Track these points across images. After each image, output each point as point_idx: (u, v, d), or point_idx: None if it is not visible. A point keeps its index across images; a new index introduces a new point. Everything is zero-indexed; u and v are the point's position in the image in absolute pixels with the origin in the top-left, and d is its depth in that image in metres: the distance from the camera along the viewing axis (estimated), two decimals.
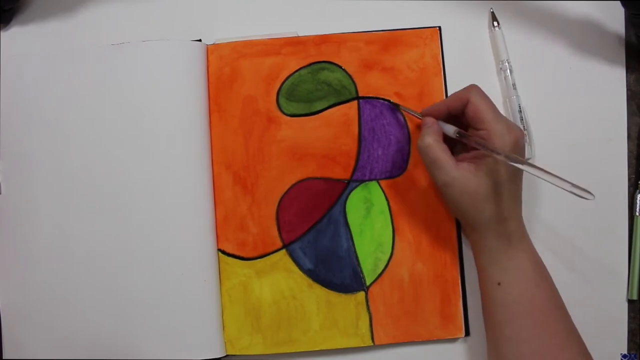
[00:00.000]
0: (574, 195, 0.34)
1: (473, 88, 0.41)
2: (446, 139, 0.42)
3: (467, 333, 0.45)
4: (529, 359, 0.38)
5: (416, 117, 0.45)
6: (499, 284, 0.40)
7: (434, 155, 0.40)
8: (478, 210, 0.40)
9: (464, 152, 0.43)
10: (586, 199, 0.34)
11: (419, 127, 0.46)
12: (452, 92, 0.42)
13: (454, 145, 0.43)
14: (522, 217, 0.41)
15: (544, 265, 0.41)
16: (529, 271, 0.40)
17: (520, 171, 0.40)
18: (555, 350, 0.38)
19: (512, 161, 0.37)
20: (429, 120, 0.42)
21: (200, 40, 0.47)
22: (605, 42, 0.47)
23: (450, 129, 0.42)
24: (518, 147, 0.39)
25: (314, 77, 0.47)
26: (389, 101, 0.46)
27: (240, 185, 0.46)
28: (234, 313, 0.45)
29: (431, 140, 0.41)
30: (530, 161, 0.46)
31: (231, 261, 0.45)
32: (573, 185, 0.34)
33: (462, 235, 0.46)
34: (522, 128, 0.42)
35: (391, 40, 0.47)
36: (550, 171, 0.36)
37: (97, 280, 0.44)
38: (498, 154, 0.38)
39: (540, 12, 0.48)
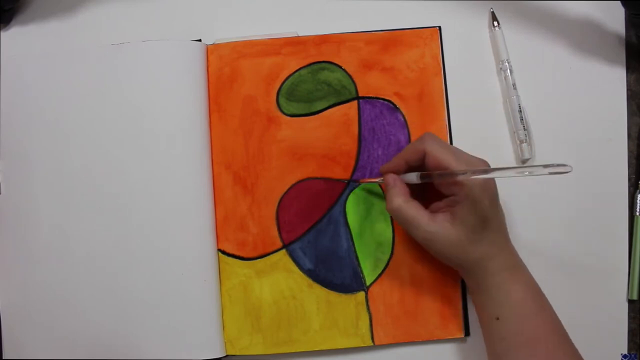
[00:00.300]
0: (555, 175, 0.32)
1: (426, 137, 0.40)
2: (415, 192, 0.41)
3: (467, 333, 0.45)
4: None
5: (376, 182, 0.45)
6: (497, 318, 0.39)
7: (406, 215, 0.40)
8: (466, 255, 0.39)
9: (435, 201, 0.41)
10: (565, 172, 0.32)
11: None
12: (411, 143, 0.42)
13: (424, 193, 0.42)
14: (512, 247, 0.41)
15: (541, 293, 0.40)
16: (527, 302, 0.39)
17: (499, 204, 0.40)
18: None
19: (477, 174, 0.36)
20: (391, 179, 0.41)
21: (200, 40, 0.47)
22: (605, 42, 0.47)
23: (413, 177, 0.41)
24: (488, 185, 0.39)
25: (314, 77, 0.47)
26: (399, 109, 0.46)
27: (240, 185, 0.46)
28: (234, 313, 0.45)
29: (400, 202, 0.40)
30: (529, 162, 0.46)
31: (231, 261, 0.45)
32: (546, 166, 0.32)
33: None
34: (482, 162, 0.40)
35: (391, 40, 0.47)
36: (517, 165, 0.35)
37: (97, 280, 0.44)
38: (463, 173, 0.37)
39: (540, 12, 0.48)
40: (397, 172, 0.42)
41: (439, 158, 0.39)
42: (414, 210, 0.40)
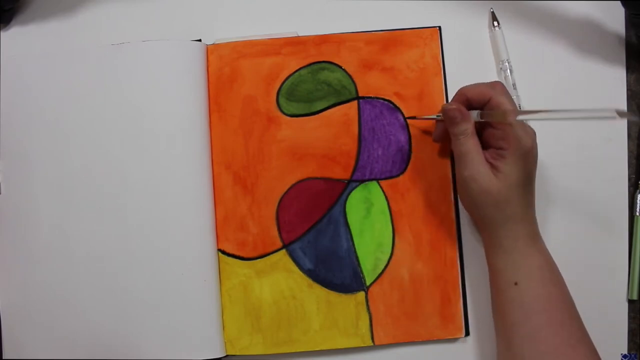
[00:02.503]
0: (602, 120, 0.34)
1: (498, 85, 0.41)
2: None
3: (467, 333, 0.45)
4: (545, 357, 0.38)
5: (433, 119, 0.44)
6: (515, 283, 0.39)
7: (469, 145, 0.40)
8: (497, 210, 0.39)
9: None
10: (612, 118, 0.33)
11: (424, 132, 0.46)
12: (477, 83, 0.41)
13: None
14: (536, 218, 0.41)
15: (556, 266, 0.41)
16: (545, 271, 0.40)
17: (534, 172, 0.40)
18: (569, 349, 0.38)
19: (523, 116, 0.37)
20: (458, 109, 0.40)
21: (200, 40, 0.47)
22: (605, 42, 0.47)
23: (474, 113, 0.41)
24: (534, 150, 0.39)
25: (314, 77, 0.47)
26: (399, 109, 0.46)
27: (240, 185, 0.46)
28: (234, 313, 0.45)
29: (469, 127, 0.40)
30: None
31: (231, 261, 0.45)
32: (592, 110, 0.33)
33: (464, 235, 0.45)
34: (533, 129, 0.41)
35: (391, 40, 0.47)
36: (564, 108, 0.37)
37: (97, 280, 0.44)
38: (509, 112, 0.38)
39: (540, 12, 0.48)
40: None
41: (504, 106, 0.39)
42: (474, 145, 0.40)
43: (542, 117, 0.38)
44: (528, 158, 0.39)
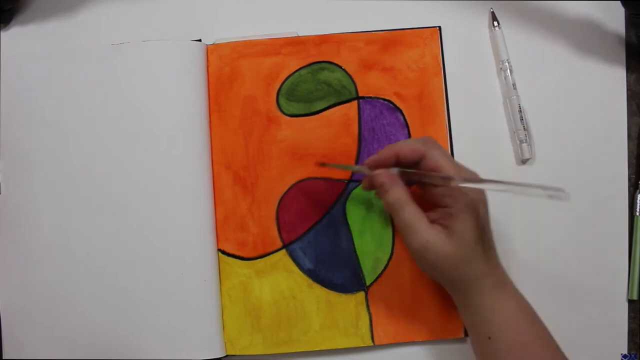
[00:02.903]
0: (550, 199, 0.32)
1: (431, 142, 0.39)
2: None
3: (467, 333, 0.45)
4: None
5: (354, 170, 0.44)
6: (489, 338, 0.38)
7: (408, 214, 0.37)
8: (459, 272, 0.37)
9: (428, 212, 0.38)
10: (561, 199, 0.32)
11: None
12: (408, 140, 0.39)
13: (417, 202, 0.39)
14: (501, 264, 0.40)
15: (531, 308, 0.39)
16: (518, 319, 0.38)
17: (488, 221, 0.39)
18: None
19: (468, 182, 0.35)
20: (384, 177, 0.38)
21: (200, 40, 0.47)
22: (605, 42, 0.47)
23: (394, 170, 0.38)
24: (484, 199, 0.38)
25: (314, 77, 0.47)
26: (399, 109, 0.46)
27: (240, 185, 0.46)
28: (234, 313, 0.45)
29: (401, 194, 0.37)
30: (529, 162, 0.46)
31: (231, 261, 0.45)
32: (544, 188, 0.31)
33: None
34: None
35: (391, 40, 0.47)
36: (513, 181, 0.34)
37: (97, 280, 0.44)
38: (452, 179, 0.35)
39: (540, 12, 0.48)
40: (386, 166, 0.39)
41: (438, 163, 0.37)
42: (414, 212, 0.37)
43: (486, 186, 0.36)
44: (479, 210, 0.37)
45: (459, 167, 0.38)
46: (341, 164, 0.46)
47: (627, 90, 0.47)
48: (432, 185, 0.38)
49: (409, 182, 0.39)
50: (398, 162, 0.39)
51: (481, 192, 0.38)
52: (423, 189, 0.39)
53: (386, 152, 0.39)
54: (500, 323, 0.38)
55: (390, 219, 0.45)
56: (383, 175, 0.38)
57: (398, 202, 0.38)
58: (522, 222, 0.46)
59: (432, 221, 0.38)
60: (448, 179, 0.36)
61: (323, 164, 0.44)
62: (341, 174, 0.46)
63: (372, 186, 0.41)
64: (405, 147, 0.39)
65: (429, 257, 0.37)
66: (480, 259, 0.38)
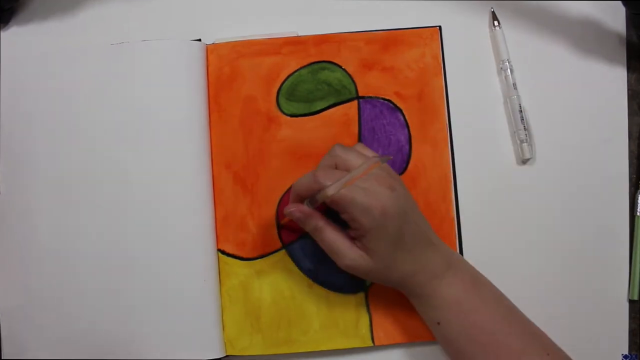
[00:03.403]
0: (380, 163, 0.36)
1: (319, 172, 0.39)
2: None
3: None
4: None
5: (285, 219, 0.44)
6: (438, 323, 0.40)
7: (329, 237, 0.39)
8: (389, 278, 0.40)
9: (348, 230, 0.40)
10: (385, 161, 0.36)
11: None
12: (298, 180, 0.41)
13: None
14: (441, 249, 0.40)
15: (478, 283, 0.40)
16: (463, 302, 0.39)
17: (411, 216, 0.39)
18: None
19: (334, 187, 0.37)
20: (298, 211, 0.40)
21: (200, 40, 0.47)
22: (606, 41, 0.47)
23: (305, 203, 0.40)
24: (388, 209, 0.38)
25: (314, 76, 0.47)
26: (399, 108, 0.46)
27: (240, 185, 0.46)
28: (233, 313, 0.45)
29: (319, 222, 0.40)
30: (530, 162, 0.46)
31: (231, 261, 0.45)
32: (373, 157, 0.35)
33: (463, 234, 0.45)
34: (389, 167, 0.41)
35: (391, 39, 0.47)
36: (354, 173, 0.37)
37: (97, 280, 0.44)
38: (324, 194, 0.37)
39: (541, 11, 0.48)
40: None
41: (334, 199, 0.38)
42: (334, 234, 0.40)
43: (345, 180, 0.37)
44: (387, 221, 0.37)
45: (354, 186, 0.38)
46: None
47: (628, 89, 0.47)
48: (338, 211, 0.39)
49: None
50: (305, 197, 0.40)
51: (383, 206, 0.38)
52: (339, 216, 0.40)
53: (292, 197, 0.41)
54: (445, 308, 0.39)
55: None
56: (296, 212, 0.40)
57: (316, 230, 0.40)
58: (522, 222, 0.46)
59: (353, 238, 0.39)
60: (323, 193, 0.37)
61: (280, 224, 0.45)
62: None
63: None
64: (299, 188, 0.40)
65: (357, 273, 0.40)
66: (403, 263, 0.39)
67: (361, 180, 0.38)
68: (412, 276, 0.40)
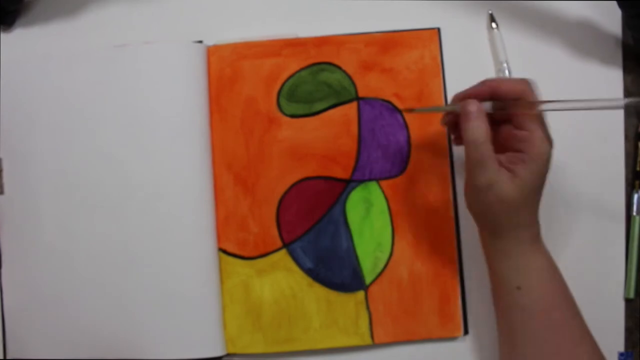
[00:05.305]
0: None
1: (529, 85, 0.38)
2: None
3: (466, 332, 0.45)
4: (547, 358, 0.38)
5: (443, 110, 0.43)
6: (518, 287, 0.39)
7: (483, 152, 0.36)
8: (509, 218, 0.38)
9: (497, 154, 0.38)
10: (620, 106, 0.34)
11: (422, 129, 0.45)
12: (508, 79, 0.39)
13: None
14: (539, 220, 0.40)
15: (556, 265, 0.40)
16: (547, 273, 0.39)
17: (545, 184, 0.39)
18: (572, 349, 0.38)
19: (557, 106, 0.36)
20: (475, 107, 0.37)
21: (201, 42, 0.47)
22: (602, 43, 0.48)
23: (488, 106, 0.38)
24: (551, 153, 0.38)
25: (314, 78, 0.47)
26: (398, 110, 0.46)
27: (240, 185, 0.46)
28: (234, 312, 0.45)
29: (484, 135, 0.36)
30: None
31: (232, 260, 0.45)
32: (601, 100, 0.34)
33: (463, 234, 0.46)
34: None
35: (390, 41, 0.47)
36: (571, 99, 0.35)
37: (99, 279, 0.44)
38: (542, 104, 0.36)
39: (538, 14, 0.48)
40: (478, 99, 0.38)
41: (529, 97, 0.37)
42: (489, 151, 0.37)
43: (560, 107, 0.36)
44: (547, 162, 0.38)
45: (542, 120, 0.38)
46: (343, 166, 0.46)
47: (624, 91, 0.47)
48: (512, 127, 0.38)
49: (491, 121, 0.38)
50: (492, 99, 0.38)
51: (550, 147, 0.38)
52: (498, 131, 0.39)
53: (481, 86, 0.39)
54: (531, 274, 0.39)
55: (391, 219, 0.46)
56: (473, 105, 0.37)
57: (477, 136, 0.37)
58: None
59: (500, 164, 0.38)
60: (533, 104, 0.36)
61: (410, 110, 0.44)
62: (341, 174, 0.46)
63: (452, 119, 0.41)
64: (504, 84, 0.38)
65: (489, 197, 0.37)
66: (530, 209, 0.38)
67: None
68: (524, 228, 0.39)
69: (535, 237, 0.40)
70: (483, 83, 0.39)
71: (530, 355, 0.38)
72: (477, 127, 0.37)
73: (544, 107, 0.37)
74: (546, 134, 0.38)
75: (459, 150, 0.46)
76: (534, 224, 0.39)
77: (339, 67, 0.47)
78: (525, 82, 0.38)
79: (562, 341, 0.38)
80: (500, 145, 0.39)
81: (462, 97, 0.40)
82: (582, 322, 0.39)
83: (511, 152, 0.38)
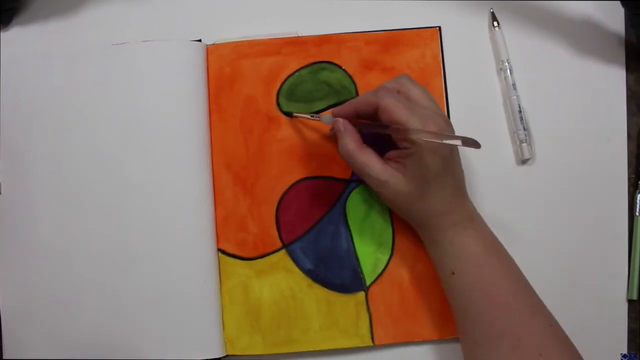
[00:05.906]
0: (467, 148, 0.35)
1: (381, 90, 0.40)
2: (369, 139, 0.41)
3: None
4: (496, 340, 0.38)
5: (315, 120, 0.44)
6: (452, 273, 0.40)
7: (359, 160, 0.39)
8: (415, 208, 0.40)
9: (391, 150, 0.40)
10: (476, 147, 0.34)
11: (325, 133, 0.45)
12: (364, 93, 0.41)
13: (379, 142, 0.41)
14: (469, 202, 0.41)
15: (498, 245, 0.41)
16: (481, 256, 0.39)
17: (456, 161, 0.40)
18: (519, 327, 0.38)
19: (419, 135, 0.36)
20: (340, 124, 0.41)
21: (200, 41, 0.47)
22: (605, 42, 0.47)
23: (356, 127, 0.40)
24: (436, 146, 0.38)
25: (314, 77, 0.47)
26: (286, 113, 0.46)
27: (240, 185, 0.46)
28: (233, 313, 0.45)
29: (351, 146, 0.40)
30: (529, 162, 0.46)
31: (231, 261, 0.45)
32: (459, 138, 0.34)
33: None
34: (446, 115, 0.40)
35: (391, 40, 0.47)
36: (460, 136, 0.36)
37: (97, 280, 0.44)
38: (409, 132, 0.37)
39: (540, 12, 0.48)
40: (348, 118, 0.41)
41: (392, 112, 0.38)
42: (365, 157, 0.39)
43: (431, 137, 0.36)
44: (435, 154, 0.38)
45: (414, 109, 0.38)
46: (343, 166, 0.46)
47: (627, 90, 0.47)
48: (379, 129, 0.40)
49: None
50: (359, 115, 0.41)
51: (444, 126, 0.38)
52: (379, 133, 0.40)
53: (347, 106, 0.41)
54: (462, 258, 0.39)
55: (391, 220, 0.45)
56: (338, 123, 0.41)
57: (348, 149, 0.40)
58: (521, 222, 0.46)
59: (393, 158, 0.40)
60: (401, 131, 0.37)
61: (292, 115, 0.46)
62: (341, 174, 0.46)
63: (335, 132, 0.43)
64: (360, 102, 0.41)
65: (386, 194, 0.40)
66: (436, 198, 0.39)
67: (421, 110, 0.38)
68: (438, 216, 0.40)
69: (464, 221, 0.40)
70: (350, 104, 0.41)
71: (479, 337, 0.39)
72: (347, 144, 0.40)
73: (389, 130, 0.38)
74: (422, 119, 0.38)
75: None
76: (454, 211, 0.40)
77: (339, 66, 0.47)
78: (377, 91, 0.40)
79: (506, 321, 0.38)
80: (392, 144, 0.40)
81: (335, 114, 0.42)
82: (530, 300, 0.39)
83: (399, 150, 0.40)
